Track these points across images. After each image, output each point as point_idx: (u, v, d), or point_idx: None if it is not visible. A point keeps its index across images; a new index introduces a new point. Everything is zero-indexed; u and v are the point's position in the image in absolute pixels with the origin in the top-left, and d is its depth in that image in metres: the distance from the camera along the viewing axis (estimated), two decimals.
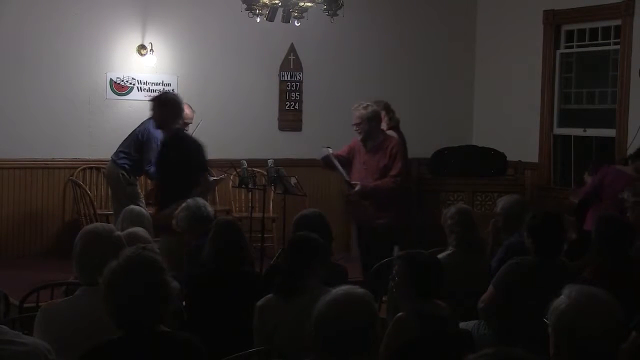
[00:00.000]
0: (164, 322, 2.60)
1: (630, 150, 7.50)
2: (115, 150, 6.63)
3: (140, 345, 2.52)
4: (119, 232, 3.29)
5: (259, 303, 3.52)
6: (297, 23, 6.28)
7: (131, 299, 2.51)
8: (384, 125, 6.56)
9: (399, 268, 3.56)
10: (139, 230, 4.18)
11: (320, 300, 2.44)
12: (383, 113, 7.09)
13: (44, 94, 7.14)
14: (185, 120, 6.63)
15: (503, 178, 7.72)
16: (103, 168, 7.26)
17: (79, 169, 7.25)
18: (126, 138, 6.65)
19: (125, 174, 6.52)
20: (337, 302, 2.39)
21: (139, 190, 6.73)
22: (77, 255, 3.10)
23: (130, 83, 7.51)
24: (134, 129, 6.70)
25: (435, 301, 3.44)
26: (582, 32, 8.25)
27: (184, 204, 4.96)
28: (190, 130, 6.79)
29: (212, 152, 7.69)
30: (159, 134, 6.52)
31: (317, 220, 4.31)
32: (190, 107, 6.71)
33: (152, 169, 6.38)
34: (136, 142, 6.55)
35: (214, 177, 6.78)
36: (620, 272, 3.93)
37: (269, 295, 3.54)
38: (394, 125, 6.94)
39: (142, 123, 6.67)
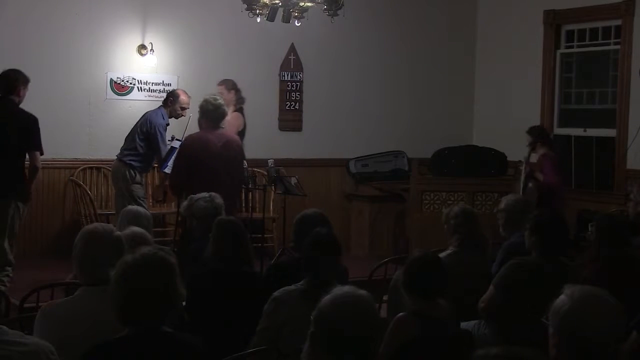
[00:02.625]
0: (165, 323, 2.60)
1: (630, 150, 7.52)
2: (119, 151, 6.62)
3: (141, 344, 2.52)
4: (118, 232, 3.29)
5: (276, 294, 3.50)
6: (298, 23, 6.28)
7: (140, 295, 2.51)
8: (231, 107, 6.73)
9: (406, 266, 3.56)
10: (139, 230, 4.17)
11: (323, 298, 2.43)
12: (232, 92, 7.09)
13: (44, 94, 7.11)
14: (182, 106, 6.66)
15: (503, 178, 7.71)
16: (103, 168, 7.27)
17: (79, 169, 7.24)
18: (128, 135, 6.64)
19: (132, 171, 6.49)
20: (342, 302, 2.38)
21: (144, 191, 6.72)
22: (78, 255, 3.10)
23: (131, 83, 7.50)
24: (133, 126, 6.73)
25: (436, 301, 3.43)
26: (582, 32, 8.25)
27: (205, 195, 4.92)
28: (183, 123, 6.79)
29: None
30: (161, 121, 6.52)
31: (319, 220, 4.29)
32: (186, 93, 6.73)
33: (166, 167, 6.35)
34: (141, 134, 6.53)
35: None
36: (620, 272, 3.93)
37: (290, 289, 3.52)
38: (240, 107, 7.06)
39: (141, 116, 6.68)
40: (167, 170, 6.26)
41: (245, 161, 6.54)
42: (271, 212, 7.46)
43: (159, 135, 6.46)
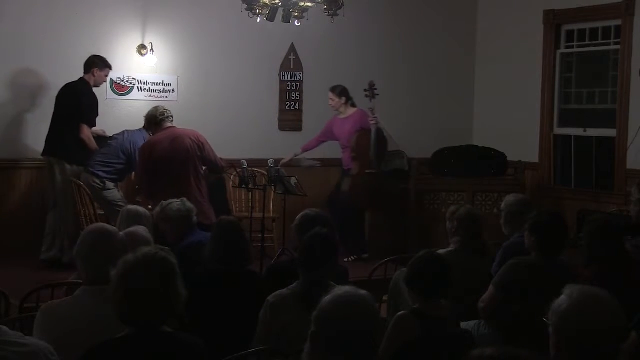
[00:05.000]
0: (166, 323, 2.60)
1: (631, 150, 7.52)
2: (89, 161, 6.62)
3: (141, 344, 2.52)
4: (121, 233, 3.30)
5: (272, 300, 3.48)
6: (297, 23, 6.28)
7: (141, 294, 2.51)
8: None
9: (410, 265, 3.56)
10: (140, 228, 4.16)
11: (323, 298, 2.43)
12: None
13: (45, 94, 7.13)
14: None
15: (503, 178, 7.71)
16: None
17: None
18: (102, 148, 6.69)
19: (99, 180, 6.54)
20: (343, 302, 2.38)
21: (119, 192, 6.71)
22: (82, 255, 3.10)
23: (131, 83, 7.50)
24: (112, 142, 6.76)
25: (437, 300, 3.43)
26: (582, 32, 8.25)
27: (176, 200, 5.00)
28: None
29: None
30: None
31: (322, 220, 4.26)
32: None
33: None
34: (122, 155, 6.61)
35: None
36: (619, 272, 3.93)
37: (284, 293, 3.50)
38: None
39: (121, 135, 6.74)
40: None
41: (244, 160, 6.56)
42: (271, 212, 7.46)
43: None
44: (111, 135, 6.87)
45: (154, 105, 6.60)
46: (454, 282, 3.55)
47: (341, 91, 7.51)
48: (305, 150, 7.77)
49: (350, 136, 7.42)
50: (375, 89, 7.45)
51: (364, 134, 7.37)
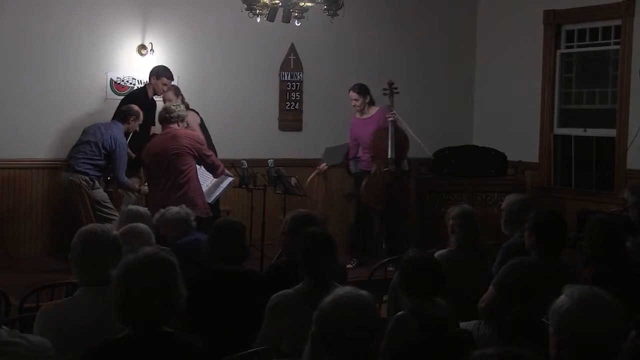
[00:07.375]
0: (167, 324, 2.60)
1: (630, 150, 7.51)
2: (69, 162, 6.56)
3: (141, 344, 2.52)
4: (116, 233, 3.29)
5: (275, 300, 3.47)
6: (297, 23, 6.28)
7: (141, 294, 2.51)
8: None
9: (401, 267, 3.56)
10: (140, 225, 4.13)
11: (324, 298, 2.43)
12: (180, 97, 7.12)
13: (45, 94, 7.13)
14: (140, 122, 6.82)
15: (503, 178, 7.72)
16: None
17: None
18: (81, 145, 6.59)
19: (88, 178, 6.51)
20: (343, 302, 2.38)
21: (106, 194, 6.70)
22: (76, 257, 3.09)
23: (131, 83, 7.50)
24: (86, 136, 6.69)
25: (435, 301, 3.43)
26: (582, 32, 8.25)
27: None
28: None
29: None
30: (124, 140, 6.64)
31: (312, 220, 4.23)
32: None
33: (124, 177, 6.59)
34: (103, 150, 6.55)
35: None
36: (619, 272, 3.93)
37: (289, 293, 3.50)
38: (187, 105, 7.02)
39: (96, 129, 6.64)
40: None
41: (244, 160, 6.56)
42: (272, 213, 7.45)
43: (123, 155, 6.58)
44: (83, 130, 6.77)
45: (177, 103, 6.54)
46: (451, 281, 3.55)
47: (363, 89, 7.17)
48: (353, 156, 7.43)
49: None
50: (395, 88, 7.16)
51: (382, 133, 7.03)
